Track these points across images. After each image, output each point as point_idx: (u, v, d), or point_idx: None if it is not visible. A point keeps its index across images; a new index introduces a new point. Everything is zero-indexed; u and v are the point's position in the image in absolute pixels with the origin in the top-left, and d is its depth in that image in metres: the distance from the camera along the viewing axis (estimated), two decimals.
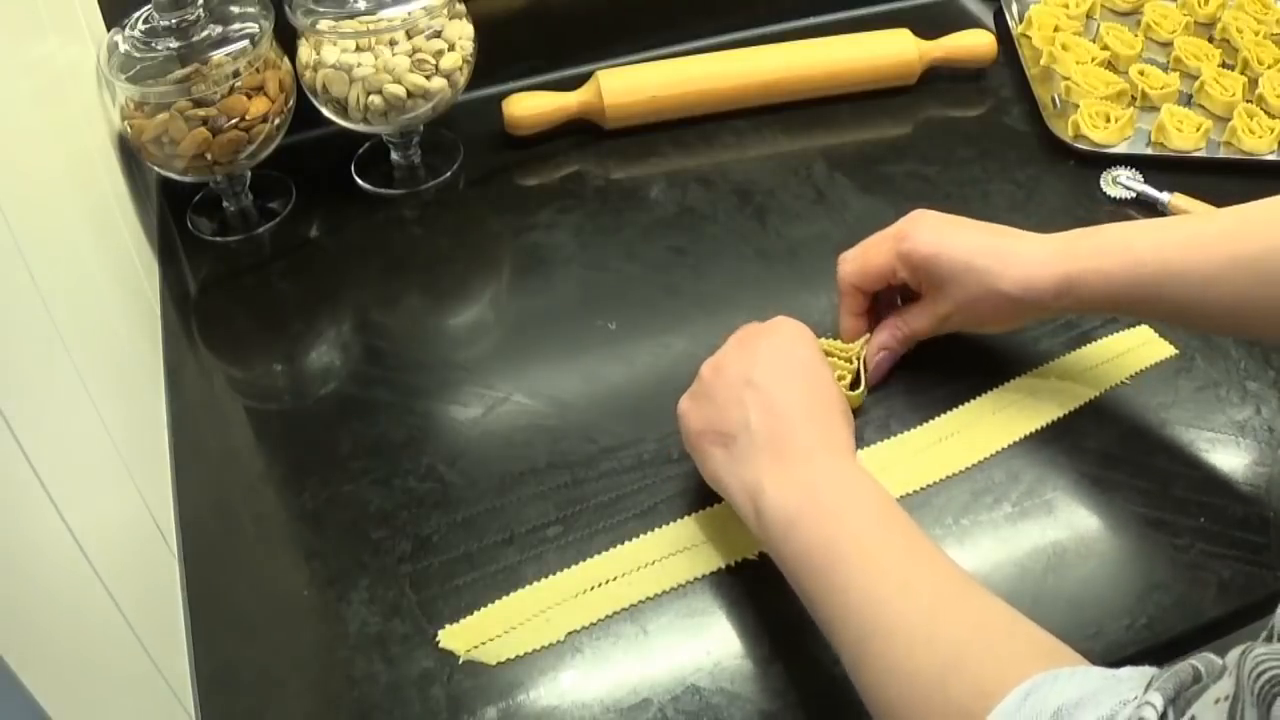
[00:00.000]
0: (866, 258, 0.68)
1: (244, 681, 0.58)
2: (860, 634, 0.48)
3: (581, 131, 0.92)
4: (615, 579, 0.61)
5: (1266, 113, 0.87)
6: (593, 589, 0.60)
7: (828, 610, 0.50)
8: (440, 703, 0.56)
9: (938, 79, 0.96)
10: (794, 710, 0.55)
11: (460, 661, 0.57)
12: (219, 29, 0.77)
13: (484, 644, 0.58)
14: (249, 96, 0.77)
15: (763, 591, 0.60)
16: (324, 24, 0.79)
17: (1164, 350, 0.72)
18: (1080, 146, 0.87)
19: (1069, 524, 0.62)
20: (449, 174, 0.88)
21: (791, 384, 0.58)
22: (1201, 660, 0.39)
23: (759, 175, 0.87)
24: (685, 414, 0.60)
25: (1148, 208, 0.82)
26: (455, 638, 0.58)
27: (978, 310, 0.65)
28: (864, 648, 0.48)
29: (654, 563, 0.61)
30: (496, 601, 0.60)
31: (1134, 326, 0.73)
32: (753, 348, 0.60)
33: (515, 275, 0.80)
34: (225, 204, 0.85)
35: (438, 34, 0.81)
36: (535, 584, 0.60)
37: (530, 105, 0.90)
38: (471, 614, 0.59)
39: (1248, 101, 0.88)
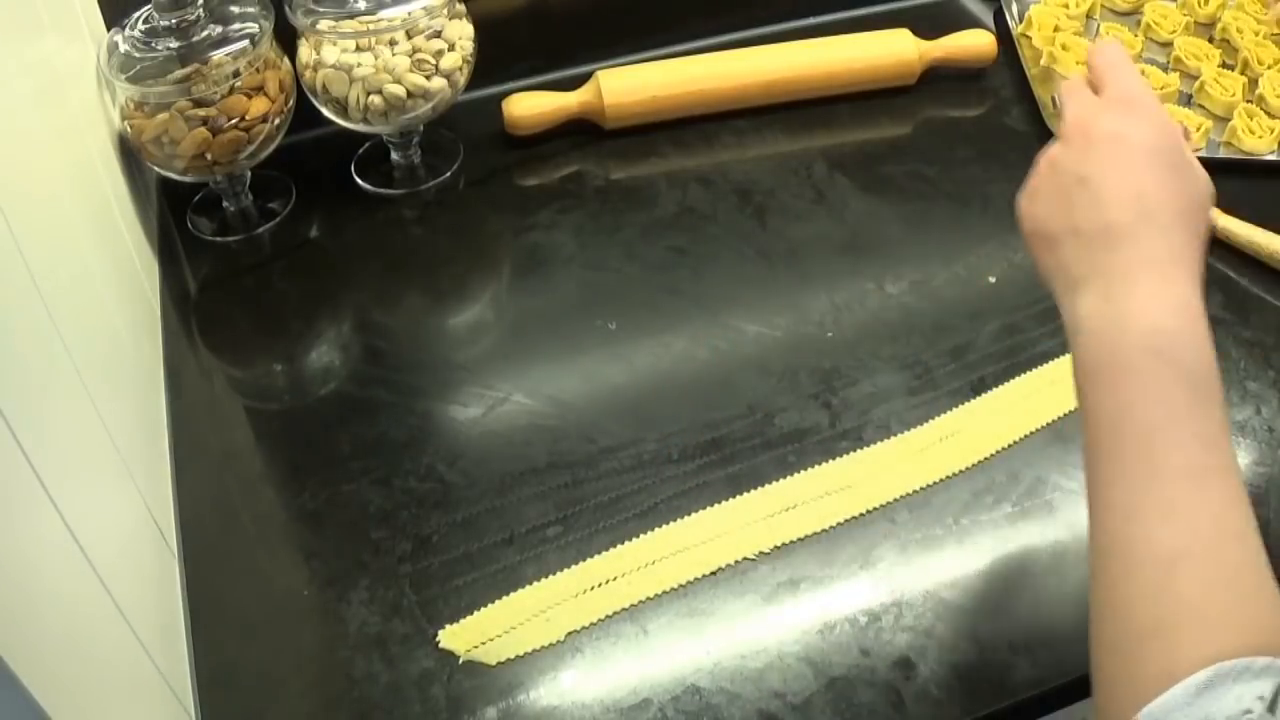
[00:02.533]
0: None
1: (244, 681, 0.58)
2: (1106, 540, 0.45)
3: (581, 131, 0.92)
4: (615, 579, 0.61)
5: (1266, 113, 0.87)
6: (593, 589, 0.60)
7: (1094, 482, 0.46)
8: (440, 703, 0.56)
9: (938, 79, 0.96)
10: (794, 710, 0.55)
11: (460, 661, 0.57)
12: (219, 29, 0.77)
13: (484, 644, 0.58)
14: (249, 96, 0.77)
15: (762, 591, 0.60)
16: (324, 24, 0.79)
17: None
18: None
19: (1069, 524, 0.62)
20: (449, 174, 0.88)
21: (1127, 181, 0.50)
22: None
23: (759, 175, 0.87)
24: (1023, 212, 0.54)
25: None
26: (455, 638, 0.58)
27: None
28: (1102, 561, 0.45)
29: (654, 563, 0.61)
30: (497, 602, 0.60)
31: None
32: (1092, 139, 0.52)
33: (515, 275, 0.80)
34: (225, 204, 0.85)
35: (438, 34, 0.81)
36: (535, 584, 0.60)
37: (530, 105, 0.90)
38: (471, 614, 0.59)
39: (1248, 101, 0.88)
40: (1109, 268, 0.48)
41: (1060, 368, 0.71)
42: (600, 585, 0.60)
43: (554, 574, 0.61)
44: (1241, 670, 0.39)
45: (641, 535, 0.62)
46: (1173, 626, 0.42)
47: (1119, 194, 0.50)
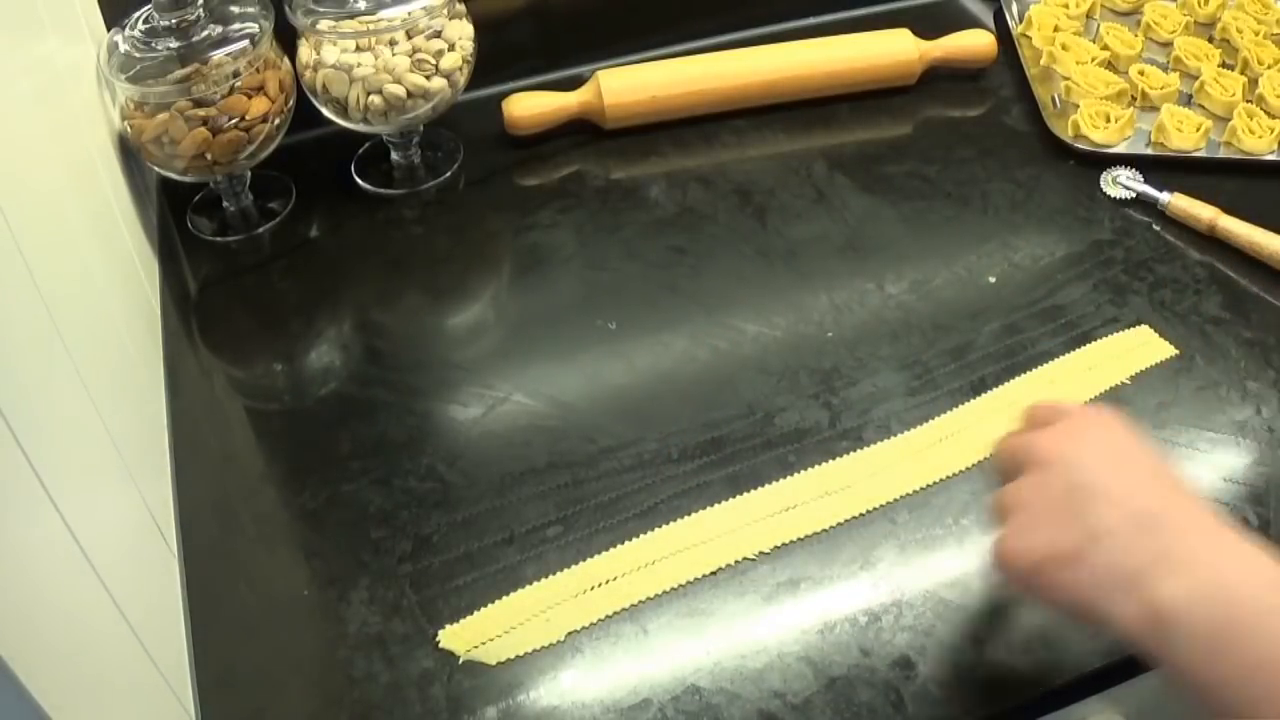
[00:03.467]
0: None
1: (244, 681, 0.58)
2: None
3: (581, 131, 0.92)
4: (615, 579, 0.61)
5: (1266, 113, 0.87)
6: (593, 589, 0.60)
7: None
8: (440, 703, 0.56)
9: (938, 79, 0.96)
10: (794, 710, 0.55)
11: (460, 661, 0.57)
12: (219, 29, 0.77)
13: (484, 644, 0.58)
14: (249, 96, 0.77)
15: (762, 591, 0.60)
16: (324, 24, 0.79)
17: (1164, 350, 0.72)
18: (1080, 146, 0.87)
19: None
20: (449, 174, 0.88)
21: (1125, 469, 0.50)
22: None
23: (759, 175, 0.87)
24: (1011, 554, 0.50)
25: (1148, 208, 0.82)
26: (455, 638, 0.58)
27: None
28: None
29: (654, 563, 0.61)
30: (497, 602, 0.60)
31: (1134, 326, 0.73)
32: (1054, 455, 0.51)
33: (515, 275, 0.80)
34: (225, 204, 0.85)
35: (438, 34, 0.81)
36: (535, 584, 0.60)
37: (530, 105, 0.90)
38: (472, 614, 0.59)
39: (1248, 101, 0.88)
40: (1171, 549, 0.46)
41: (1060, 367, 0.71)
42: (600, 585, 0.60)
43: (554, 574, 0.61)
44: None
45: (641, 535, 0.62)
46: None
47: (1129, 482, 0.49)
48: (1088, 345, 0.72)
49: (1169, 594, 0.44)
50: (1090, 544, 0.47)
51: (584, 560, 0.61)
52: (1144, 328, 0.73)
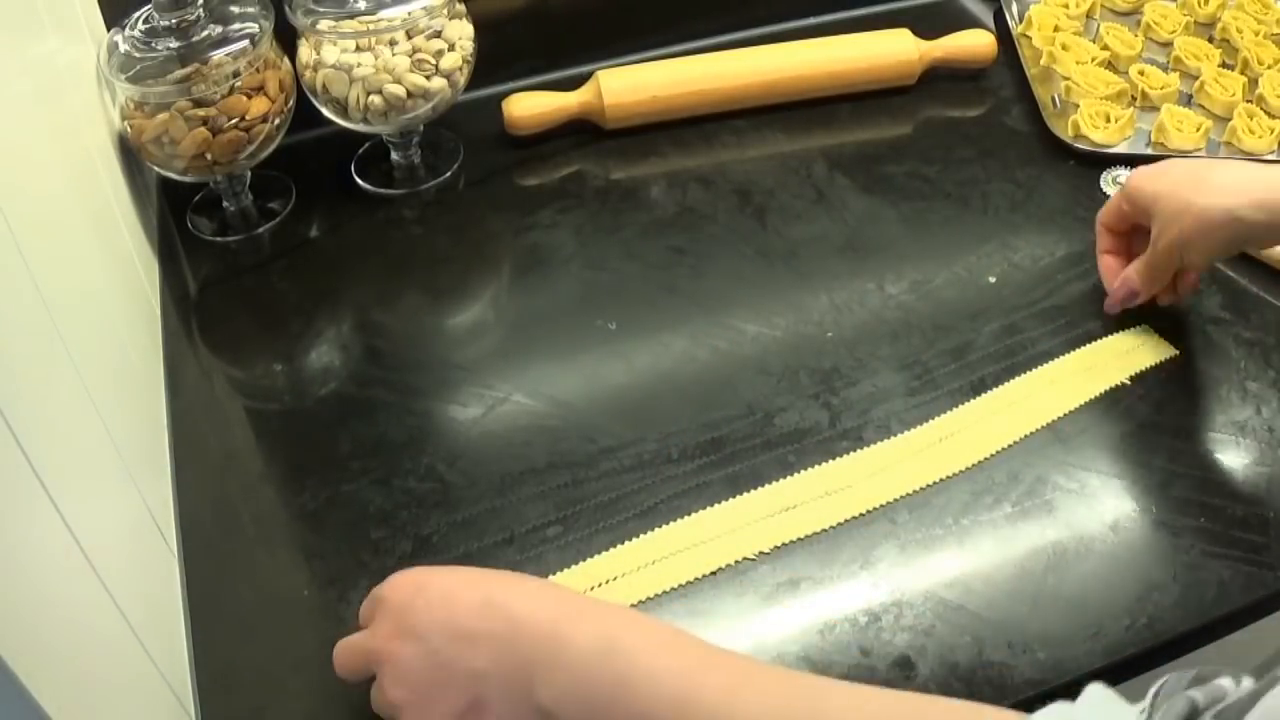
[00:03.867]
0: (1111, 200, 0.73)
1: (244, 681, 0.58)
2: None
3: (581, 131, 0.92)
4: (615, 579, 0.61)
5: (1266, 113, 0.87)
6: (592, 589, 0.60)
7: None
8: None
9: (938, 79, 0.96)
10: None
11: None
12: (219, 29, 0.77)
13: None
14: (249, 96, 0.77)
15: (762, 591, 0.60)
16: (324, 24, 0.79)
17: (1164, 350, 0.72)
18: (1080, 146, 0.87)
19: (1069, 524, 0.62)
20: (449, 174, 0.88)
21: (445, 613, 0.49)
22: (1203, 689, 0.37)
23: (759, 175, 0.87)
24: (391, 657, 0.50)
25: None
26: None
27: (1183, 231, 0.65)
28: None
29: (654, 563, 0.61)
30: None
31: (1134, 327, 0.73)
32: (391, 643, 0.50)
33: (515, 275, 0.80)
34: (225, 204, 0.85)
35: (438, 34, 0.81)
36: None
37: (530, 105, 0.90)
38: None
39: (1248, 101, 0.88)
40: (529, 658, 0.47)
41: (1060, 367, 0.71)
42: (600, 585, 0.60)
43: (554, 574, 0.61)
44: None
45: (641, 535, 0.62)
46: None
47: (470, 613, 0.49)
48: (1088, 345, 0.72)
49: (546, 697, 0.46)
50: (481, 685, 0.47)
51: (584, 560, 0.61)
52: (1143, 327, 0.73)
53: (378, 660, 0.51)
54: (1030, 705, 0.56)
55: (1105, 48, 0.94)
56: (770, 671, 0.46)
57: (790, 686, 0.44)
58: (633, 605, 0.59)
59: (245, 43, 0.76)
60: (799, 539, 0.62)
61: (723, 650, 0.47)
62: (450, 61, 0.81)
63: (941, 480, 0.65)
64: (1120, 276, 0.71)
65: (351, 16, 0.79)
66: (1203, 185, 0.65)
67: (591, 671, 0.45)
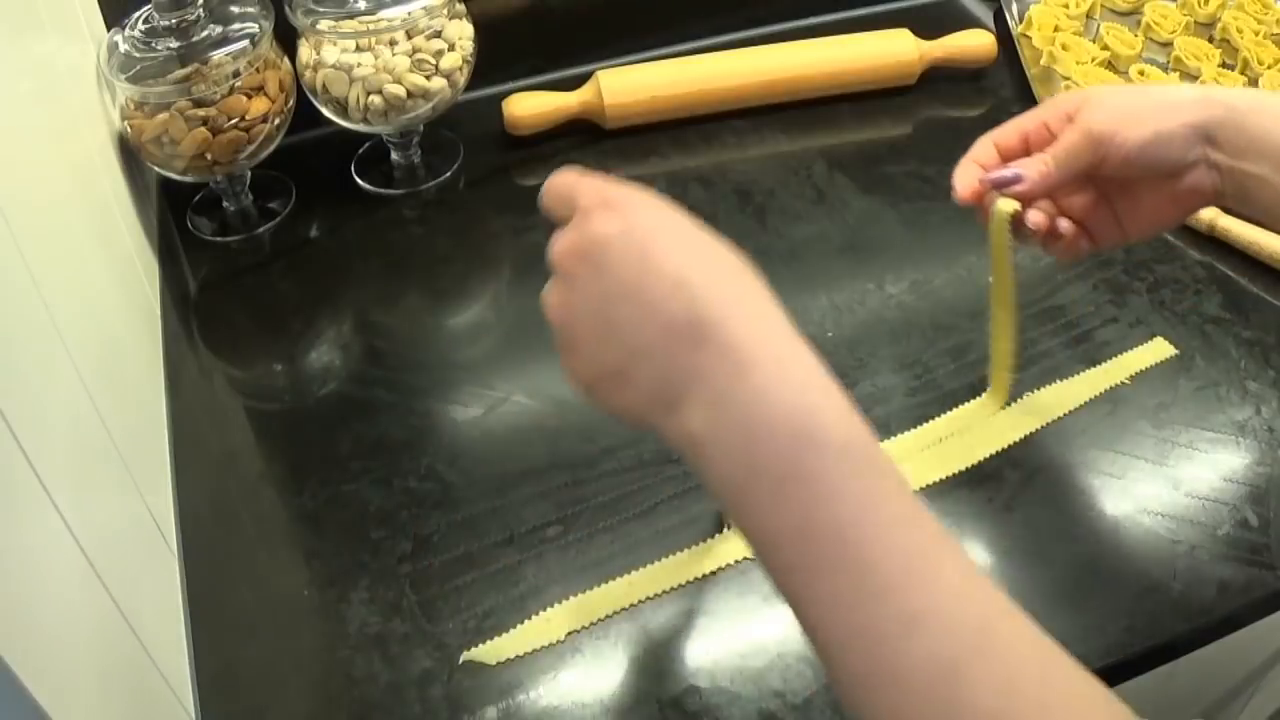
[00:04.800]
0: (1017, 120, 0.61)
1: (244, 681, 0.58)
2: (863, 672, 0.37)
3: (581, 131, 0.92)
4: (615, 579, 0.61)
5: None
6: (592, 589, 0.60)
7: (809, 610, 0.39)
8: (440, 703, 0.56)
9: (938, 79, 0.96)
10: (794, 710, 0.55)
11: (460, 661, 0.57)
12: (219, 29, 0.77)
13: (485, 643, 0.58)
14: (249, 96, 0.77)
15: (763, 591, 0.60)
16: (324, 24, 0.79)
17: (1164, 350, 0.72)
18: None
19: (1069, 524, 0.62)
20: (449, 174, 0.88)
21: (656, 271, 0.42)
22: None
23: (759, 175, 0.87)
24: (567, 371, 0.45)
25: None
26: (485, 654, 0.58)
27: (1115, 113, 0.56)
28: (869, 696, 0.37)
29: (654, 562, 0.61)
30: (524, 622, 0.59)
31: (1134, 327, 0.73)
32: (586, 257, 0.44)
33: (515, 275, 0.80)
34: (225, 204, 0.85)
35: (438, 34, 0.81)
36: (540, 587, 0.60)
37: (530, 105, 0.90)
38: (473, 614, 0.59)
39: None
40: (702, 369, 0.40)
41: (1060, 368, 0.71)
42: (600, 585, 0.60)
43: (554, 574, 0.61)
44: None
45: (641, 535, 0.62)
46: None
47: (659, 288, 0.41)
48: (1088, 345, 0.72)
49: (698, 425, 0.40)
50: (631, 363, 0.42)
51: (583, 558, 0.61)
52: (1144, 327, 0.73)
53: (555, 264, 0.45)
54: None
55: (1105, 48, 0.94)
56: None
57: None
58: (632, 605, 0.59)
59: (245, 43, 0.76)
60: None
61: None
62: (450, 61, 0.81)
63: (941, 480, 0.65)
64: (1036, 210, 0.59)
65: (351, 16, 0.79)
66: (1153, 91, 0.58)
67: (771, 443, 0.38)
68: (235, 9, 0.78)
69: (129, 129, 0.77)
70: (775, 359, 0.40)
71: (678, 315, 0.41)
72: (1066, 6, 0.99)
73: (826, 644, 0.38)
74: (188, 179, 0.81)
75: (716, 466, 0.40)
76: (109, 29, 0.79)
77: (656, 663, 0.57)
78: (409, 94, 0.80)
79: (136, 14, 0.77)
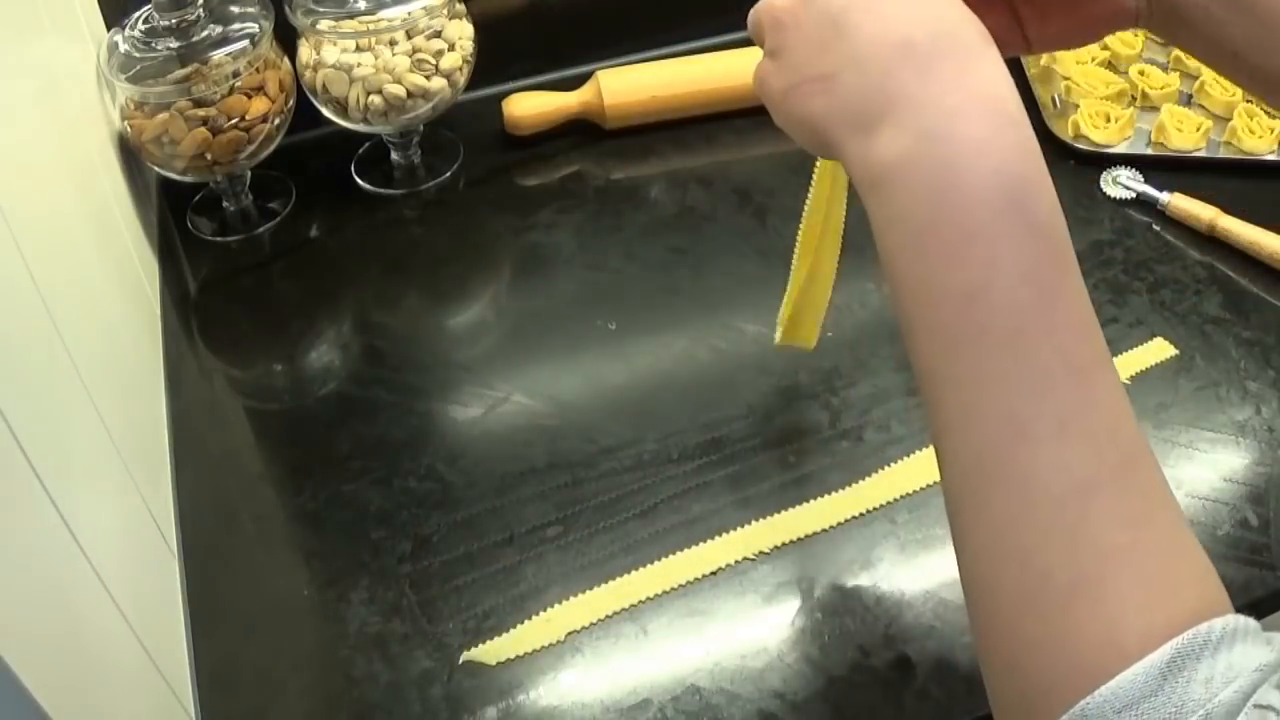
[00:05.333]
0: None
1: (244, 681, 0.58)
2: (991, 463, 0.35)
3: (581, 131, 0.92)
4: (615, 579, 0.61)
5: (1266, 113, 0.87)
6: (593, 588, 0.60)
7: (948, 379, 0.36)
8: (440, 703, 0.56)
9: None
10: (794, 710, 0.55)
11: (460, 661, 0.57)
12: (219, 29, 0.77)
13: (486, 642, 0.58)
14: (249, 96, 0.77)
15: (763, 591, 0.60)
16: (324, 24, 0.79)
17: (1164, 350, 0.72)
18: (1080, 146, 0.87)
19: None
20: (449, 174, 0.88)
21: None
22: None
23: (759, 175, 0.87)
24: (767, 73, 0.44)
25: (1148, 208, 0.82)
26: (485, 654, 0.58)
27: None
28: (983, 490, 0.36)
29: (654, 562, 0.61)
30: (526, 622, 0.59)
31: (1134, 327, 0.73)
32: None
33: (515, 275, 0.80)
34: (225, 204, 0.85)
35: (438, 34, 0.81)
36: (543, 589, 0.60)
37: (530, 105, 0.90)
38: (474, 614, 0.59)
39: (1248, 101, 0.88)
40: (917, 96, 0.37)
41: None
42: (600, 585, 0.60)
43: (554, 574, 0.61)
44: (1202, 643, 0.32)
45: (642, 536, 0.62)
46: (1098, 581, 0.33)
47: (906, 8, 0.39)
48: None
49: (892, 152, 0.38)
50: (843, 70, 0.40)
51: (583, 558, 0.61)
52: (1144, 327, 0.73)
53: None
54: None
55: (1105, 47, 0.94)
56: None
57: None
58: (632, 605, 0.59)
59: (245, 43, 0.76)
60: (799, 539, 0.62)
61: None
62: (450, 61, 0.81)
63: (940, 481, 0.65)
64: None
65: (351, 16, 0.79)
66: None
67: (971, 194, 0.36)
68: (235, 9, 0.78)
69: (129, 129, 0.77)
70: (999, 113, 0.37)
71: (918, 37, 0.38)
72: None
73: (951, 424, 0.36)
74: (188, 179, 0.81)
75: (897, 201, 0.37)
76: (109, 29, 0.79)
77: (656, 663, 0.57)
78: (409, 94, 0.80)
79: (136, 14, 0.77)
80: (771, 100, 0.44)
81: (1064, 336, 0.35)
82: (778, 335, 0.68)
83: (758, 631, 0.58)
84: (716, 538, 0.62)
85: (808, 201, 0.60)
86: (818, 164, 0.59)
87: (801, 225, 0.62)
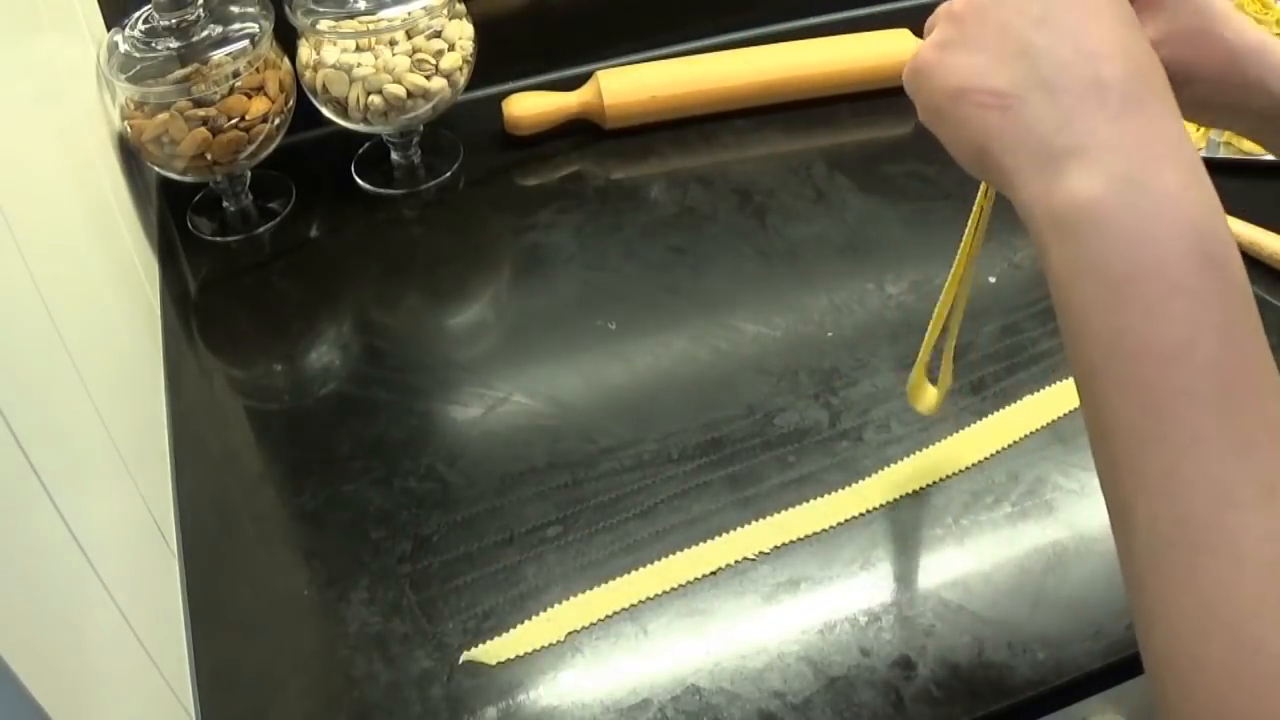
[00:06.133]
0: None
1: (244, 681, 0.58)
2: (1195, 530, 0.33)
3: (581, 131, 0.92)
4: (615, 579, 0.61)
5: None
6: (593, 588, 0.60)
7: (1148, 440, 0.34)
8: (440, 703, 0.56)
9: None
10: (794, 710, 0.55)
11: (460, 661, 0.57)
12: (219, 29, 0.77)
13: (487, 642, 0.58)
14: (249, 96, 0.77)
15: (763, 591, 0.60)
16: (324, 24, 0.79)
17: None
18: None
19: (1069, 524, 0.62)
20: (449, 174, 0.88)
21: (1105, 24, 0.38)
22: None
23: (759, 175, 0.87)
24: (931, 66, 0.42)
25: None
26: (486, 654, 0.58)
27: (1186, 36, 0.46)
28: (1186, 559, 0.33)
29: (654, 562, 0.61)
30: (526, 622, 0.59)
31: None
32: None
33: (515, 275, 0.80)
34: (225, 204, 0.85)
35: (438, 34, 0.81)
36: (543, 590, 0.60)
37: (530, 105, 0.90)
38: (474, 614, 0.59)
39: None
40: (1111, 140, 0.36)
41: (1060, 368, 0.71)
42: (600, 585, 0.60)
43: (554, 574, 0.61)
44: None
45: (642, 536, 0.62)
46: None
47: (1104, 40, 0.38)
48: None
49: (1085, 194, 0.36)
50: (1028, 92, 0.38)
51: (583, 558, 0.61)
52: None
53: None
54: (1030, 705, 0.56)
55: None
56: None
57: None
58: (632, 605, 0.59)
59: (245, 43, 0.76)
60: (799, 539, 0.62)
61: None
62: (450, 61, 0.81)
63: (941, 480, 0.65)
64: None
65: (351, 16, 0.79)
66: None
67: (1174, 245, 0.35)
68: (235, 9, 0.78)
69: (129, 129, 0.77)
70: (1193, 166, 0.36)
71: (1114, 74, 0.37)
72: None
73: (1147, 486, 0.34)
74: (188, 179, 0.81)
75: (1091, 248, 0.35)
76: (109, 29, 0.79)
77: (656, 663, 0.57)
78: (409, 94, 0.80)
79: (136, 14, 0.77)
80: (931, 97, 0.42)
81: (1265, 399, 0.34)
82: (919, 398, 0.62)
83: (758, 631, 0.58)
84: (716, 538, 0.62)
85: (965, 235, 0.56)
86: (980, 193, 0.53)
87: (957, 259, 0.57)
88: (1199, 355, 0.34)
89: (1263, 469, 0.33)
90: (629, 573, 0.61)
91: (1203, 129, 0.85)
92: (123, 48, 0.76)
